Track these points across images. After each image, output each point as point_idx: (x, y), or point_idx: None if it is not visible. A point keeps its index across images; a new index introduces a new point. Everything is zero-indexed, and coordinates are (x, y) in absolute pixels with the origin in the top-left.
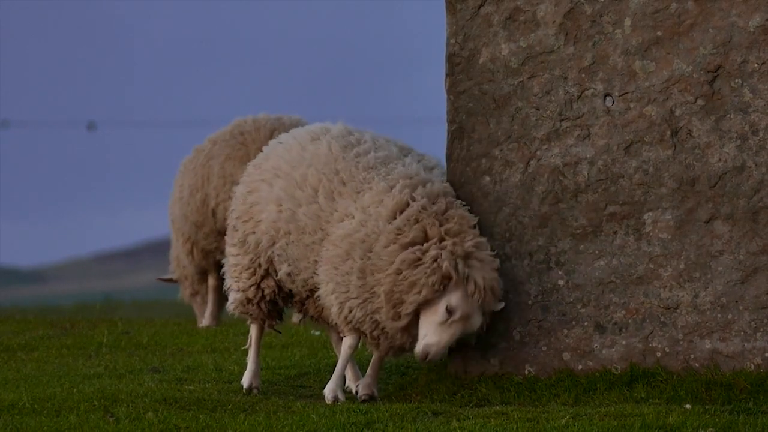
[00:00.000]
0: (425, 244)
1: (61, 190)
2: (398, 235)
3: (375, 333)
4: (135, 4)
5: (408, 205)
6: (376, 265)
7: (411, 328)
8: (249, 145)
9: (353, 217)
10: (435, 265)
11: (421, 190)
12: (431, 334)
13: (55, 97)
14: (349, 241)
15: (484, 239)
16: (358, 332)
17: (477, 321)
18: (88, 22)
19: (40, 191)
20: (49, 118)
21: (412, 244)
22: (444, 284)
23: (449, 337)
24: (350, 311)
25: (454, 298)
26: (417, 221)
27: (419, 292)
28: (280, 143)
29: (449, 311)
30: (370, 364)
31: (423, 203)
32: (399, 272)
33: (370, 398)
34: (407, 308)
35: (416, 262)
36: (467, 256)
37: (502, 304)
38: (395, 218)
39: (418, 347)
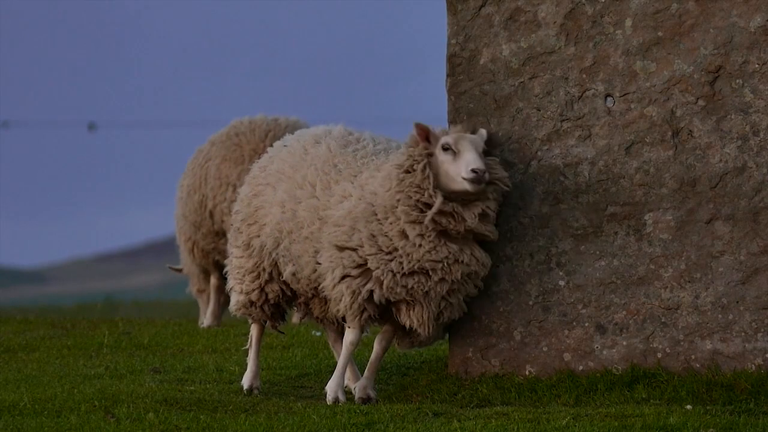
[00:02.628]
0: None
1: (62, 191)
2: (389, 177)
3: (406, 295)
4: (136, 4)
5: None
6: (381, 212)
7: (426, 237)
8: (244, 146)
9: (351, 196)
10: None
11: None
12: (457, 166)
13: (55, 97)
14: (352, 217)
15: None
16: (369, 321)
17: (475, 137)
18: (89, 22)
19: (41, 191)
20: (49, 118)
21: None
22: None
23: (471, 154)
24: (369, 294)
25: (442, 139)
26: (405, 157)
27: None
28: (285, 146)
29: (445, 147)
30: (368, 365)
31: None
32: (400, 180)
33: (368, 400)
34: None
35: (411, 168)
36: None
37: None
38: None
39: (464, 173)
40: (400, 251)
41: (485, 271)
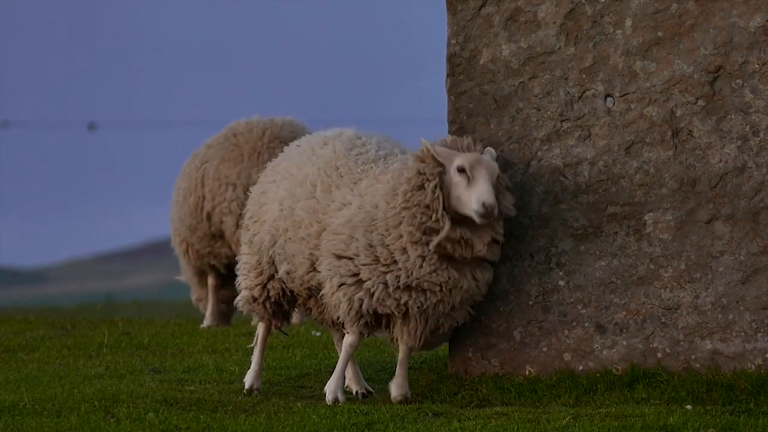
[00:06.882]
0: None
1: (62, 191)
2: (395, 192)
3: (395, 311)
4: (136, 4)
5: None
6: (382, 225)
7: (428, 259)
8: (242, 145)
9: (351, 204)
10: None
11: None
12: (469, 194)
13: (55, 97)
14: (351, 225)
15: None
16: (367, 328)
17: (491, 162)
18: (89, 22)
19: (41, 191)
20: (49, 118)
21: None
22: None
23: (484, 185)
24: (360, 303)
25: (457, 160)
26: (415, 173)
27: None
28: (298, 146)
29: (460, 170)
30: (398, 364)
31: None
32: (407, 199)
33: (405, 400)
34: (435, 209)
35: (420, 186)
36: None
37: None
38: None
39: (475, 205)
40: (400, 265)
41: (485, 290)
